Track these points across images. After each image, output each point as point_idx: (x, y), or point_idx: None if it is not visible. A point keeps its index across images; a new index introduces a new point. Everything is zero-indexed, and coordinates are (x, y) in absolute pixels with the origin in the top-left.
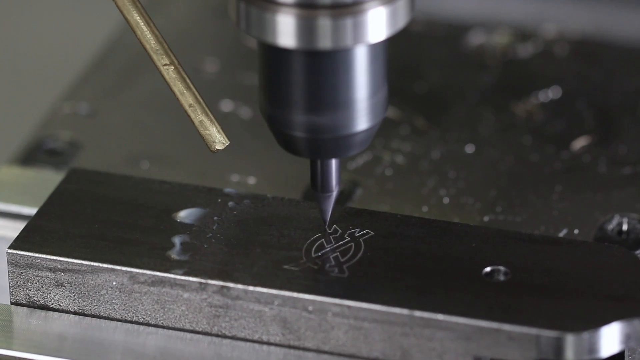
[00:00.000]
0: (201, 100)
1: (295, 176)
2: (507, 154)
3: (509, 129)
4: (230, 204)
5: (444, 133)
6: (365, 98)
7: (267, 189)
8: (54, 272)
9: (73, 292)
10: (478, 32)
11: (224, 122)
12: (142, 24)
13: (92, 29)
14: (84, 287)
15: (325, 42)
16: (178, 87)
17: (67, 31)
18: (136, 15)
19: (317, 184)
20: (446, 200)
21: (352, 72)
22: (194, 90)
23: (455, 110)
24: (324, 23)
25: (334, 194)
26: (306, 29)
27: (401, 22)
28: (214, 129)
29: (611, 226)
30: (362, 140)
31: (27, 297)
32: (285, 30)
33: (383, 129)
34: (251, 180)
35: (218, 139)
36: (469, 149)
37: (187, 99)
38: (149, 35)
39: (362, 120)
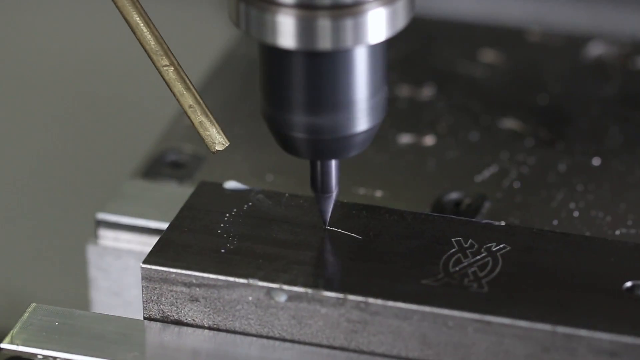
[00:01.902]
0: (201, 101)
1: (422, 188)
2: (635, 166)
3: (635, 141)
4: (365, 218)
5: (569, 145)
6: (365, 99)
7: (393, 202)
8: (188, 287)
9: (208, 307)
10: (597, 43)
11: None
12: (141, 25)
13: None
14: (219, 302)
15: (325, 42)
16: (178, 88)
17: (183, 42)
18: (136, 16)
19: (317, 185)
20: (576, 214)
21: (352, 73)
22: (194, 91)
23: (578, 122)
24: (324, 24)
25: (334, 194)
26: (306, 29)
27: (401, 23)
28: (214, 130)
29: None
30: (362, 141)
31: (161, 312)
32: (285, 31)
33: (508, 141)
34: (378, 194)
35: (218, 140)
36: (596, 161)
37: (186, 99)
38: (149, 36)
39: (361, 121)
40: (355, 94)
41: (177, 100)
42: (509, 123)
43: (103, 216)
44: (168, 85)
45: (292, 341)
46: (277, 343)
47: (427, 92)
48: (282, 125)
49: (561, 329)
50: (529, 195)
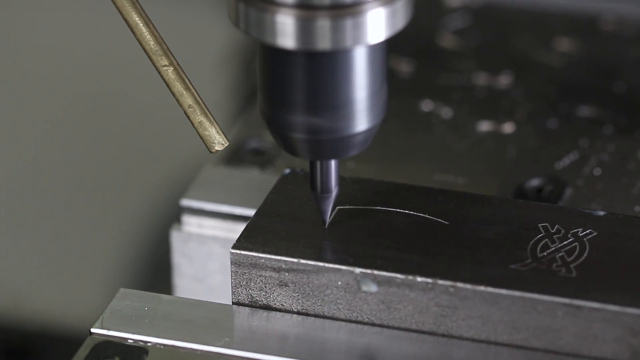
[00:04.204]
0: (200, 101)
1: (504, 175)
2: None
3: None
4: (452, 204)
5: None
6: (364, 99)
7: (475, 188)
8: (278, 272)
9: (297, 292)
10: None
11: (426, 122)
12: (141, 24)
13: None
14: (308, 287)
15: (324, 43)
16: (177, 88)
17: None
18: (135, 16)
19: (317, 185)
20: None
21: (352, 73)
22: (193, 91)
23: None
24: (323, 24)
25: (334, 194)
26: (305, 29)
27: (400, 23)
28: (213, 130)
29: None
30: (362, 141)
31: (250, 297)
32: (285, 31)
33: (587, 129)
34: (460, 180)
35: (217, 140)
36: None
37: (186, 99)
38: (148, 36)
39: (361, 121)
40: (354, 94)
41: (177, 100)
42: (587, 111)
43: (187, 202)
44: (167, 85)
45: (380, 326)
46: (365, 327)
47: (505, 80)
48: (281, 126)
49: None
50: (610, 182)
